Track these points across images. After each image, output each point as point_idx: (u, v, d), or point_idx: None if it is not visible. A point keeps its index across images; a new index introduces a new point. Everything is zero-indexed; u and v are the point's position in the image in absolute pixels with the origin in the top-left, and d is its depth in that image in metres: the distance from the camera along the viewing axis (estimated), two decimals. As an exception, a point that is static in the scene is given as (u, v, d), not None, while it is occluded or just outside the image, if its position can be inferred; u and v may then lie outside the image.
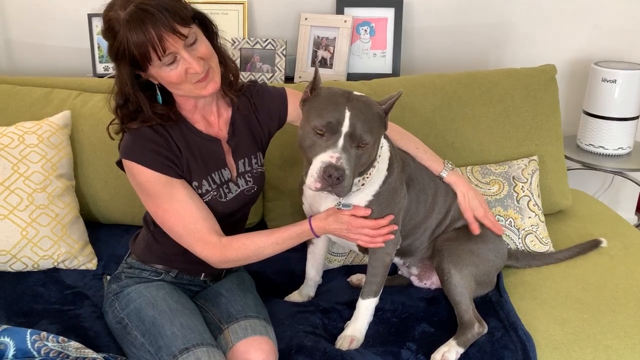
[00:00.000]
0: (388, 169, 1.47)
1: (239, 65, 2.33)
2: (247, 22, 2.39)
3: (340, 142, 1.27)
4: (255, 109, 1.54)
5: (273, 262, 1.85)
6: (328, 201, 1.47)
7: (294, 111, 1.58)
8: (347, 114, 1.28)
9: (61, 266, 1.80)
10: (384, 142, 1.48)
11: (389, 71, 2.42)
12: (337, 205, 1.44)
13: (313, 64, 2.39)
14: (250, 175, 1.52)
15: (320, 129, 1.28)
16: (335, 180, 1.25)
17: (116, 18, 1.27)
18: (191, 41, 1.31)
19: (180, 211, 1.38)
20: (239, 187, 1.50)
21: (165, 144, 1.39)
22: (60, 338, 1.41)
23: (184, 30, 1.28)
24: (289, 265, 1.86)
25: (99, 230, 1.96)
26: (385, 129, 1.40)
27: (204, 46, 1.34)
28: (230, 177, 1.48)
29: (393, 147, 1.53)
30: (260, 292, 1.63)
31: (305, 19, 2.38)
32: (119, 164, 1.42)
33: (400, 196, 1.50)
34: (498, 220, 1.79)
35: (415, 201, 1.57)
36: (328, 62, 2.38)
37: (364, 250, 1.59)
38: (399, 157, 1.53)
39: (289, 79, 2.41)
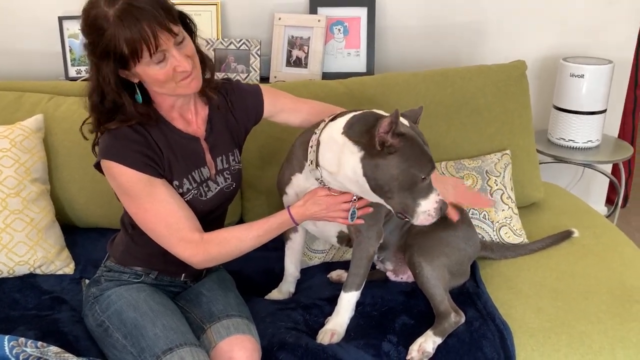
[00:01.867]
0: None
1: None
2: (220, 23, 2.39)
3: (432, 180, 1.39)
4: (232, 106, 1.55)
5: (253, 261, 1.86)
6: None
7: (269, 106, 1.59)
8: (429, 153, 1.37)
9: (38, 271, 1.77)
10: None
11: (363, 70, 2.44)
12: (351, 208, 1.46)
13: (288, 63, 2.40)
14: (228, 172, 1.53)
15: (426, 176, 1.36)
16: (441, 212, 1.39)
17: (103, 15, 1.25)
18: (180, 39, 1.31)
19: (162, 211, 1.37)
20: (218, 185, 1.50)
21: (146, 143, 1.38)
22: (39, 343, 1.39)
23: (175, 29, 1.29)
24: (268, 264, 1.87)
25: (76, 234, 1.94)
26: None
27: (189, 45, 1.35)
28: (209, 175, 1.49)
29: None
30: (240, 291, 1.63)
31: (279, 19, 2.39)
32: (97, 166, 1.41)
33: None
34: (472, 215, 1.83)
35: None
36: (303, 62, 2.40)
37: (346, 242, 1.61)
38: None
39: (264, 79, 2.42)
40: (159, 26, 1.25)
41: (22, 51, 2.42)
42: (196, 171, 1.46)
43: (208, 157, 1.50)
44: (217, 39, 2.36)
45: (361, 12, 2.43)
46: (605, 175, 2.74)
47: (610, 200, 3.05)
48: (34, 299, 1.67)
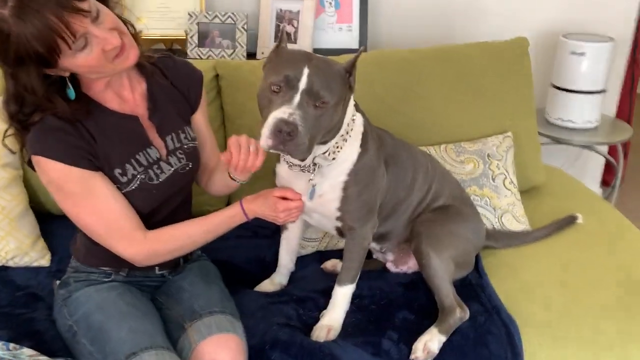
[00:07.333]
0: (361, 145, 1.39)
1: (196, 42, 2.22)
2: (204, -5, 2.26)
3: (297, 98, 1.19)
4: (172, 81, 1.43)
5: (242, 249, 1.77)
6: (301, 181, 1.39)
7: (201, 111, 1.49)
8: (306, 70, 1.21)
9: (10, 264, 1.66)
10: (358, 117, 1.40)
11: (356, 46, 2.33)
12: (310, 186, 1.37)
13: (276, 39, 2.28)
14: (181, 151, 1.41)
15: (277, 84, 1.20)
16: (286, 136, 1.16)
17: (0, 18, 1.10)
18: (95, 14, 1.15)
19: (101, 208, 1.27)
20: (171, 166, 1.38)
21: (75, 132, 1.25)
22: (11, 345, 1.29)
23: (84, 5, 1.13)
24: (259, 253, 1.77)
25: (52, 222, 1.80)
26: (351, 91, 1.32)
27: (109, 16, 1.20)
28: (159, 156, 1.37)
29: (369, 124, 1.45)
30: (227, 282, 1.53)
31: (267, -9, 2.26)
32: (30, 163, 1.28)
33: (378, 176, 1.43)
34: (474, 200, 1.76)
35: (395, 180, 1.50)
36: (292, 37, 2.28)
37: (341, 233, 1.52)
38: (376, 134, 1.46)
39: (251, 55, 2.30)
40: (65, 10, 1.10)
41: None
42: (141, 154, 1.34)
43: (154, 136, 1.38)
44: (201, 12, 2.22)
45: (354, -15, 2.30)
46: (604, 156, 2.67)
47: (604, 181, 3.00)
48: (7, 295, 1.55)
